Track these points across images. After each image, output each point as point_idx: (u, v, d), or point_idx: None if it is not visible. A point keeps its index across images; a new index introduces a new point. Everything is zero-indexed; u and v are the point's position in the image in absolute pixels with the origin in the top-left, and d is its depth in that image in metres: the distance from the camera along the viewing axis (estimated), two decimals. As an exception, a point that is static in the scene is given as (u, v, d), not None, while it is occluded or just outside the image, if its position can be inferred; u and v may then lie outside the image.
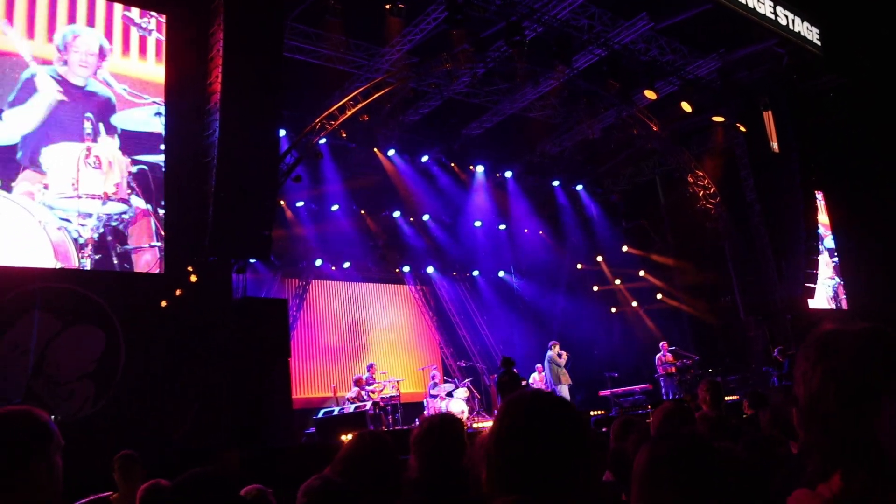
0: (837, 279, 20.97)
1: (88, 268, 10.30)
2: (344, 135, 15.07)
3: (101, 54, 11.01)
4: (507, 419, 1.79)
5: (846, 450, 1.34)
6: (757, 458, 3.87)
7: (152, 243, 11.02)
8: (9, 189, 9.86)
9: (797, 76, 17.39)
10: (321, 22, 13.73)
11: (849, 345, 1.40)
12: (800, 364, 1.47)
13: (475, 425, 14.48)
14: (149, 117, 11.38)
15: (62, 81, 10.61)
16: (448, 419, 3.43)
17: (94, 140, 10.70)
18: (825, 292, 19.98)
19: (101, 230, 10.51)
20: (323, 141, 15.26)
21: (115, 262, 10.58)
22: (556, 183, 22.18)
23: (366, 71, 15.60)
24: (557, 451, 1.70)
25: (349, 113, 14.35)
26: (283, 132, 14.37)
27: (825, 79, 17.73)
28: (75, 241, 10.24)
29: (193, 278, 11.07)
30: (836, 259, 21.11)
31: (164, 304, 10.79)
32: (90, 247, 10.34)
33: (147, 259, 10.95)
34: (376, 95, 14.57)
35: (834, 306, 20.36)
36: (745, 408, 7.15)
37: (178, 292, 10.95)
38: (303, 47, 14.45)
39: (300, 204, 18.12)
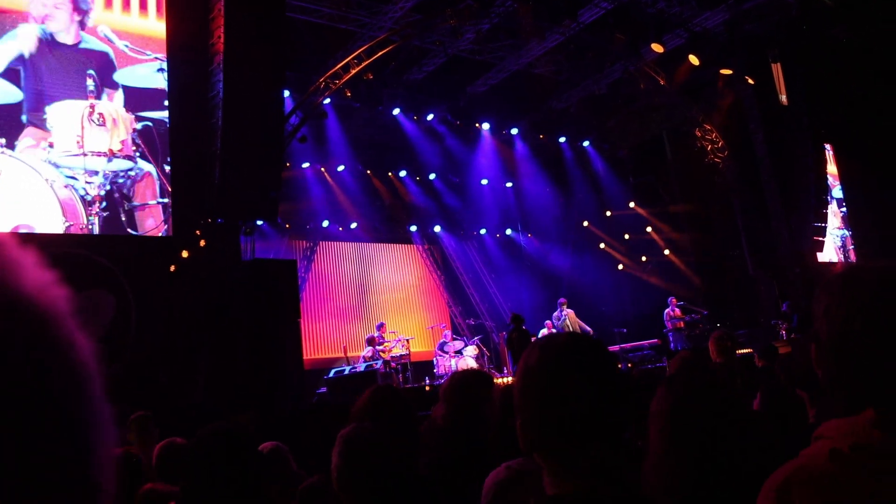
0: (846, 230, 20.90)
1: (96, 225, 10.31)
2: (349, 94, 14.98)
3: (77, 6, 10.76)
4: (538, 359, 1.67)
5: (876, 384, 1.33)
6: (773, 409, 3.88)
7: (158, 200, 11.02)
8: (13, 147, 9.84)
9: (806, 27, 17.14)
10: (323, -20, 13.59)
11: (872, 279, 1.39)
12: (821, 299, 1.44)
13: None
14: (151, 73, 11.31)
15: (55, 40, 10.51)
16: (480, 373, 3.54)
17: (98, 97, 10.66)
18: (833, 242, 19.93)
19: (108, 187, 10.50)
20: (327, 101, 15.17)
21: (123, 219, 10.59)
22: (562, 139, 22.04)
23: (369, 29, 15.43)
24: (596, 394, 1.61)
25: (353, 72, 14.25)
26: (287, 93, 14.27)
27: (835, 29, 17.48)
28: (83, 198, 10.25)
29: (202, 243, 11.08)
30: (844, 209, 21.01)
31: (172, 268, 10.81)
32: (97, 204, 10.35)
33: (152, 219, 10.95)
34: (380, 54, 14.45)
35: (842, 257, 20.31)
36: (756, 360, 7.16)
37: (185, 254, 10.96)
38: (305, 6, 14.28)
39: (306, 165, 18.07)
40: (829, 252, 19.45)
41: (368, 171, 19.73)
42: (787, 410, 3.84)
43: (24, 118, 10.03)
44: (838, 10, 16.46)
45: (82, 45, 10.71)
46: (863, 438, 1.31)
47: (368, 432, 2.80)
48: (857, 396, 1.35)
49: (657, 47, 15.99)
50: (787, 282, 18.03)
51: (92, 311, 9.98)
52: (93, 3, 10.91)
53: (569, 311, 17.37)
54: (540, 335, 16.52)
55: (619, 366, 15.05)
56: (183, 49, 11.45)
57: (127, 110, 10.93)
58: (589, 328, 17.19)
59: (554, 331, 17.12)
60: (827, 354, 1.42)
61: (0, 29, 10.10)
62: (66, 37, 10.61)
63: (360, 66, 14.28)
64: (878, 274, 1.40)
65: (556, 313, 17.52)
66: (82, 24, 10.77)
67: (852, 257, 20.66)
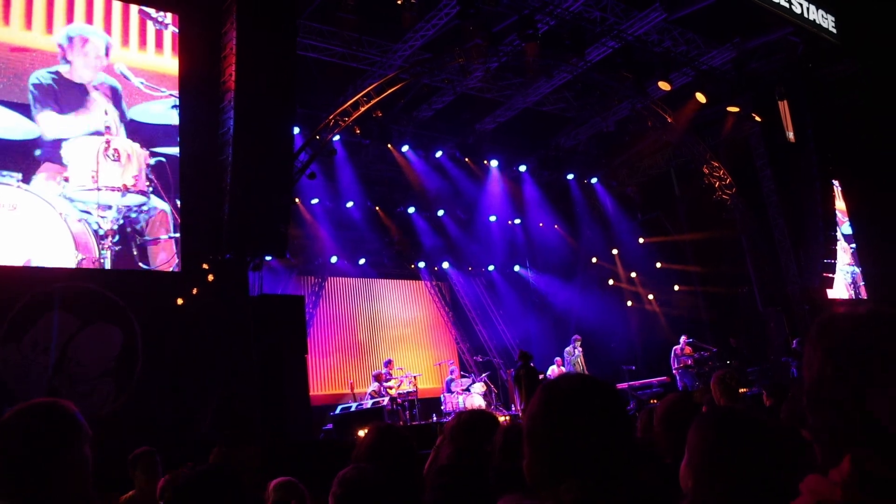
0: (856, 266, 20.82)
1: (108, 259, 10.42)
2: (358, 131, 15.10)
3: (108, 52, 11.09)
4: (550, 401, 1.73)
5: (851, 432, 1.31)
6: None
7: (170, 234, 11.11)
8: (30, 182, 9.99)
9: (812, 65, 17.24)
10: (334, 19, 13.74)
11: (846, 326, 1.38)
12: (805, 351, 1.45)
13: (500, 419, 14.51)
14: (166, 110, 11.48)
15: (71, 80, 10.70)
16: (485, 414, 3.56)
17: (113, 133, 10.81)
18: (843, 279, 19.85)
19: (121, 222, 10.62)
20: (337, 138, 15.29)
21: (135, 252, 10.68)
22: (570, 176, 22.09)
23: (379, 67, 15.60)
24: (607, 432, 1.66)
25: (362, 109, 14.38)
26: (296, 129, 14.40)
27: (841, 67, 17.58)
28: (95, 232, 10.36)
29: (210, 277, 11.13)
30: (853, 246, 20.95)
31: (179, 301, 10.85)
32: (110, 238, 10.45)
33: (164, 254, 11.03)
34: (389, 91, 14.58)
35: (853, 294, 20.22)
36: (765, 398, 7.10)
37: (194, 291, 11.01)
38: (316, 45, 14.47)
39: (315, 201, 18.16)
40: (840, 289, 19.36)
41: (377, 208, 19.80)
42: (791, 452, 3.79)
43: (40, 153, 10.17)
44: (844, 47, 16.56)
45: (99, 82, 10.89)
46: (826, 496, 1.30)
47: (365, 475, 2.80)
48: (839, 448, 1.34)
49: (664, 85, 16.09)
50: (797, 318, 17.95)
51: (100, 344, 10.02)
52: (111, 42, 11.12)
53: (580, 349, 17.44)
54: (549, 372, 16.47)
55: (629, 405, 14.97)
56: (195, 86, 11.62)
57: (141, 146, 11.07)
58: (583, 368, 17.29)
59: (563, 368, 17.06)
60: (809, 402, 1.41)
61: (21, 66, 10.29)
62: (86, 75, 10.80)
63: (370, 104, 14.41)
64: (849, 322, 1.38)
65: (568, 348, 17.54)
66: (93, 70, 10.98)
67: (863, 294, 20.56)
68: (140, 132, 11.13)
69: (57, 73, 10.59)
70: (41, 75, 10.43)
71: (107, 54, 11.07)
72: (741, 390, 7.97)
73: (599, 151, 22.08)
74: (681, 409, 3.85)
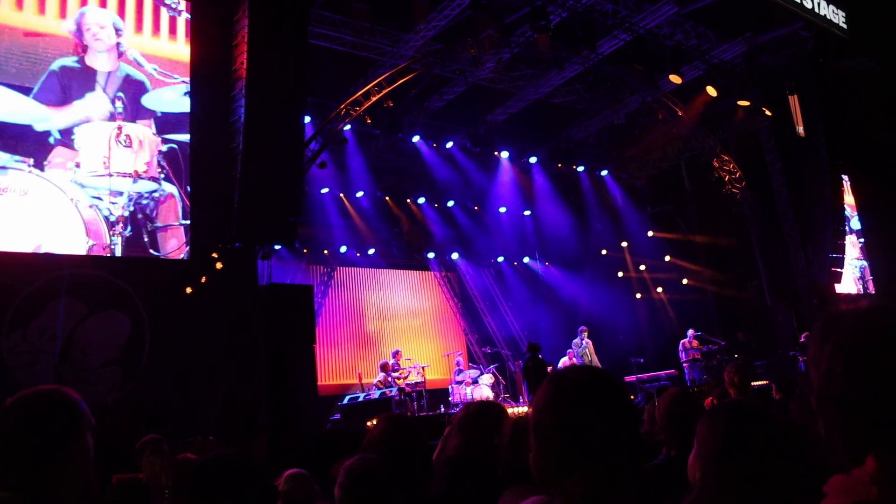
0: (864, 260, 20.76)
1: (119, 245, 10.43)
2: (369, 121, 15.09)
3: (116, 31, 11.06)
4: (557, 393, 1.71)
5: (864, 429, 1.31)
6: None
7: (181, 221, 11.12)
8: (41, 167, 10.00)
9: (823, 59, 17.17)
10: (346, 8, 13.74)
11: (852, 321, 1.38)
12: (809, 350, 1.45)
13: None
14: (179, 97, 11.48)
15: (90, 65, 10.72)
16: (494, 404, 3.58)
17: (125, 119, 10.81)
18: (852, 273, 19.80)
19: (132, 208, 10.63)
20: (347, 127, 15.29)
21: (146, 239, 10.70)
22: (580, 168, 22.02)
23: (390, 57, 15.58)
24: (616, 425, 1.65)
25: (374, 99, 14.37)
26: (307, 119, 14.39)
27: (851, 61, 17.50)
28: (106, 218, 10.37)
29: (219, 265, 11.14)
30: (862, 240, 20.88)
31: (188, 290, 10.87)
32: (121, 224, 10.46)
33: (174, 240, 11.04)
34: (401, 81, 14.56)
35: (861, 288, 20.16)
36: (774, 392, 7.11)
37: (203, 279, 11.02)
38: (327, 34, 14.45)
39: (325, 191, 18.16)
40: (848, 283, 19.32)
41: (387, 198, 19.81)
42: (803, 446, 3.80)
43: (53, 139, 10.19)
44: (854, 42, 16.48)
45: (113, 68, 10.90)
46: (862, 496, 1.28)
47: (372, 465, 2.81)
48: (854, 445, 1.33)
49: (675, 78, 16.04)
50: (805, 313, 17.91)
51: (107, 332, 10.05)
52: (125, 28, 11.12)
53: (588, 340, 17.38)
54: (560, 364, 16.46)
55: (634, 398, 14.93)
56: (206, 74, 11.62)
57: (153, 133, 11.08)
58: (599, 364, 17.15)
59: (575, 360, 17.06)
60: (819, 403, 1.40)
61: (34, 51, 10.31)
62: (99, 50, 10.80)
63: (381, 94, 14.39)
64: (855, 318, 1.38)
65: (576, 340, 17.50)
66: (117, 49, 10.99)
67: (871, 288, 20.49)
68: (153, 119, 11.14)
69: (80, 60, 10.62)
70: (61, 63, 10.45)
71: (116, 32, 11.03)
72: (753, 384, 7.98)
73: (610, 144, 22.02)
74: (683, 403, 3.89)
